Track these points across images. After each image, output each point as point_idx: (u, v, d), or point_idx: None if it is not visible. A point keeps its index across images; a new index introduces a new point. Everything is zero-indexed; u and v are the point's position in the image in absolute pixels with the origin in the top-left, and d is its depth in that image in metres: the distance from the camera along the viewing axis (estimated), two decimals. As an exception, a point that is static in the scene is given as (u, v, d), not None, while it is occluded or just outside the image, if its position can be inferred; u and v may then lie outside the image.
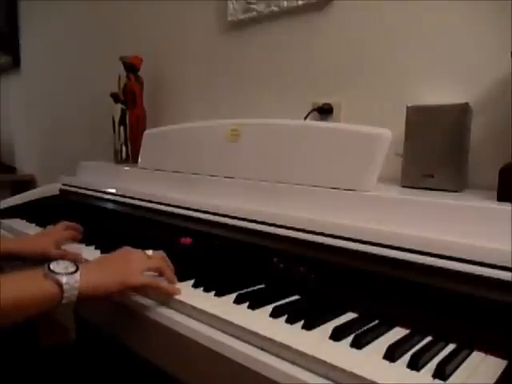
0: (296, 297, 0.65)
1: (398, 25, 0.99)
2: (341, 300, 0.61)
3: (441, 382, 0.42)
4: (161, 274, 0.68)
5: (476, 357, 0.48)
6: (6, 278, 0.56)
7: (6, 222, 1.17)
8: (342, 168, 0.76)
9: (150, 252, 0.69)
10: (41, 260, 0.84)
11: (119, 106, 1.48)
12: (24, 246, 0.86)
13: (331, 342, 0.50)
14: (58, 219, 1.02)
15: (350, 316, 0.58)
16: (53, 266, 0.59)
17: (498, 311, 0.48)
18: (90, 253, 0.86)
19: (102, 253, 0.86)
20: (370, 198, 0.70)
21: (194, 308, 0.59)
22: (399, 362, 0.46)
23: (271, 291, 0.66)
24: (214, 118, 1.08)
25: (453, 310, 0.51)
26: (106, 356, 0.99)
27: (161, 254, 0.71)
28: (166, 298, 0.64)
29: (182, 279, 0.69)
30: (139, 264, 0.65)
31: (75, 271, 0.59)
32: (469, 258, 0.54)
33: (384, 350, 0.47)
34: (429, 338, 0.52)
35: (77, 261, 0.82)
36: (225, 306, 0.60)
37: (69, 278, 0.58)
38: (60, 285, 0.57)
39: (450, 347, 0.50)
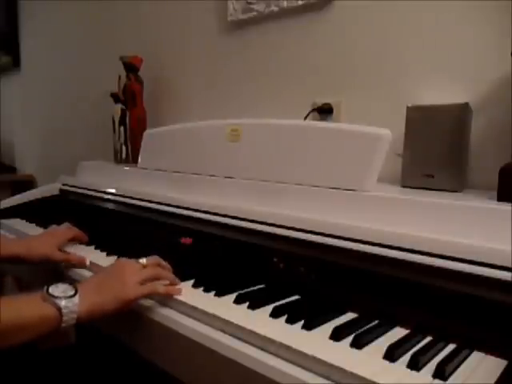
0: (296, 297, 0.65)
1: (397, 25, 0.99)
2: (341, 300, 0.61)
3: (441, 382, 0.42)
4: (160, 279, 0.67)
5: (476, 357, 0.48)
6: (5, 300, 0.56)
7: (6, 221, 1.17)
8: (342, 168, 0.76)
9: (143, 260, 0.68)
10: (44, 263, 0.84)
11: (119, 106, 1.48)
12: (26, 248, 0.83)
13: (331, 341, 0.50)
14: (58, 219, 1.02)
15: (349, 316, 0.58)
16: (51, 289, 0.58)
17: (497, 311, 0.48)
18: (90, 253, 0.86)
19: (101, 252, 0.86)
20: (370, 197, 0.70)
21: (194, 308, 0.59)
22: (399, 361, 0.46)
23: (271, 291, 0.66)
24: (214, 118, 1.08)
25: (453, 309, 0.51)
26: (106, 357, 0.99)
27: (155, 258, 0.70)
28: (166, 298, 0.64)
29: (182, 279, 0.69)
30: (134, 276, 0.64)
31: (74, 294, 0.59)
32: (469, 258, 0.54)
33: (384, 350, 0.47)
34: (429, 338, 0.52)
35: (81, 265, 0.82)
36: (225, 306, 0.60)
37: (67, 301, 0.57)
38: (59, 309, 0.56)
39: (450, 347, 0.50)
